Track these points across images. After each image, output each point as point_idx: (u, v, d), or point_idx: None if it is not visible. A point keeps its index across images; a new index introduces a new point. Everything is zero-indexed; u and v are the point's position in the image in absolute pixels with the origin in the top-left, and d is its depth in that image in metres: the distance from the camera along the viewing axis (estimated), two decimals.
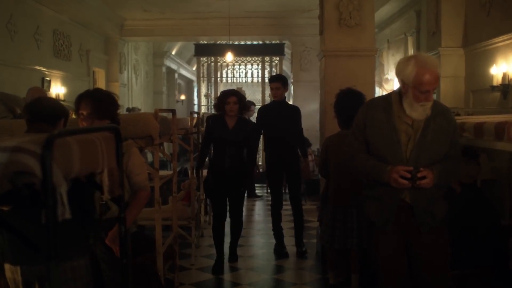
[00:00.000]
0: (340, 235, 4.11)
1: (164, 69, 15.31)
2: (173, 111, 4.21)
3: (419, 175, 2.74)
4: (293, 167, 5.73)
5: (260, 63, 13.40)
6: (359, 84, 5.36)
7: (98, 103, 2.96)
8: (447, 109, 2.97)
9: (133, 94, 12.88)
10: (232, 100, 4.93)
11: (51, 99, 2.61)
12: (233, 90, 5.22)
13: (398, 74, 2.85)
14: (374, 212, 2.98)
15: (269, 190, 6.41)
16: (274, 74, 13.90)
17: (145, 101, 13.87)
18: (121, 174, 2.26)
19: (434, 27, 6.00)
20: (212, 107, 5.05)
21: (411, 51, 8.08)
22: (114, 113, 3.09)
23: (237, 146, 5.04)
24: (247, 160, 5.22)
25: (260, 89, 13.42)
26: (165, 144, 5.80)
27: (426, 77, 2.71)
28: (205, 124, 5.06)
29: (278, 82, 5.67)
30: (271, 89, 5.74)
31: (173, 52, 16.09)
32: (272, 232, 5.86)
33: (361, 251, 4.16)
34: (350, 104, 4.07)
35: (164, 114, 4.34)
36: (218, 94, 5.49)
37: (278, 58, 13.15)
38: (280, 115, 5.59)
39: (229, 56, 10.33)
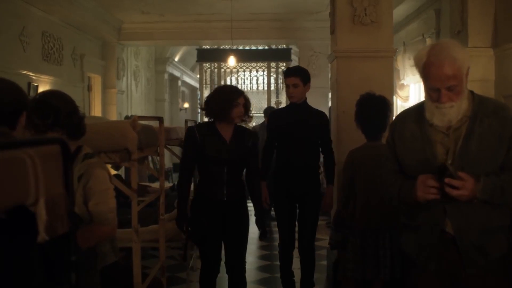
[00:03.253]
0: (372, 263, 3.57)
1: (166, 76, 14.77)
2: (160, 119, 3.57)
3: (446, 180, 2.08)
4: (311, 198, 4.24)
5: (265, 69, 12.84)
6: (375, 89, 4.77)
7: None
8: (503, 106, 2.30)
9: (133, 101, 12.32)
10: (241, 101, 3.50)
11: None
12: (238, 88, 3.72)
13: (414, 62, 2.30)
14: (412, 246, 2.38)
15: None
16: (281, 81, 13.44)
17: (146, 108, 13.31)
18: (71, 203, 1.65)
19: (460, 26, 5.37)
20: (203, 111, 3.76)
21: None
22: (68, 122, 2.38)
23: (236, 168, 3.58)
24: (251, 187, 3.74)
25: (266, 97, 12.85)
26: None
27: (432, 70, 2.13)
28: (185, 136, 3.58)
29: (296, 76, 4.13)
30: (287, 86, 4.22)
31: (176, 59, 15.57)
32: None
33: (384, 282, 3.64)
34: (373, 112, 3.60)
35: (151, 123, 3.73)
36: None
37: (284, 64, 12.58)
38: (297, 122, 4.15)
39: (231, 61, 9.72)
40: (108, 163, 2.90)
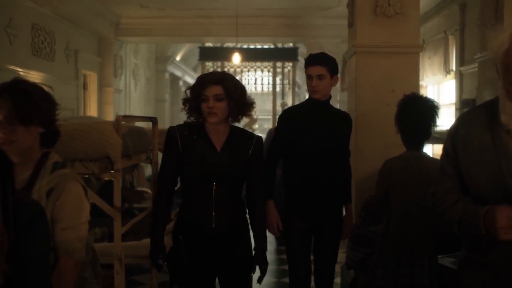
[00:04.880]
0: None
1: (167, 76, 14.22)
2: (153, 120, 2.96)
3: None
4: (332, 223, 3.35)
5: (271, 69, 12.28)
6: (400, 88, 4.32)
7: (24, 99, 1.89)
8: None
9: (132, 101, 11.77)
10: (212, 91, 2.51)
11: None
12: (218, 73, 2.68)
13: (490, 50, 1.84)
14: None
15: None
16: (287, 82, 12.81)
17: (146, 109, 12.76)
18: (13, 241, 1.18)
19: (493, 19, 4.81)
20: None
21: (452, 53, 6.87)
22: (51, 117, 1.98)
23: (229, 184, 2.64)
24: (252, 212, 2.81)
25: (271, 98, 12.29)
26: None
27: None
28: (165, 139, 2.65)
29: (322, 65, 3.20)
30: (309, 77, 3.24)
31: (178, 58, 15.04)
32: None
33: None
34: (417, 116, 3.08)
35: (141, 124, 3.14)
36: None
37: (291, 64, 12.02)
38: (319, 124, 3.25)
39: (236, 58, 9.15)
40: (85, 174, 2.31)
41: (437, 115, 3.14)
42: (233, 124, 2.69)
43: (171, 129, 2.64)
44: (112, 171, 2.29)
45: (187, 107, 2.59)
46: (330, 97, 3.32)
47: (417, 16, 4.59)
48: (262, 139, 2.76)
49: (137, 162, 2.80)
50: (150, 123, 3.02)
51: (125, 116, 2.47)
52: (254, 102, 2.67)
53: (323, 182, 3.22)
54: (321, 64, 3.20)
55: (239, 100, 2.56)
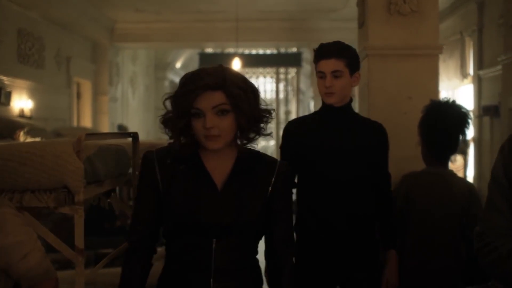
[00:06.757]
0: None
1: (167, 83, 13.80)
2: (133, 135, 2.47)
3: None
4: (367, 279, 2.37)
5: (274, 75, 11.88)
6: (417, 94, 3.89)
7: None
8: None
9: (129, 110, 11.34)
10: (210, 101, 1.47)
11: None
12: (214, 69, 1.49)
13: None
14: None
15: None
16: (291, 89, 12.30)
17: (145, 117, 12.35)
18: None
19: None
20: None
21: (470, 55, 6.41)
22: None
23: (241, 241, 1.59)
24: (275, 277, 1.67)
25: (274, 106, 11.86)
26: None
27: None
28: (140, 171, 1.64)
29: (339, 58, 2.25)
30: (320, 75, 2.27)
31: (178, 65, 14.62)
32: None
33: None
34: (447, 125, 2.68)
35: (119, 141, 2.65)
36: None
37: (295, 70, 11.63)
38: (339, 140, 2.31)
39: (236, 63, 8.70)
40: (38, 208, 1.84)
41: (468, 126, 2.72)
42: (244, 145, 1.62)
43: (146, 155, 1.61)
44: (72, 205, 1.81)
45: (169, 128, 1.55)
46: (351, 100, 2.37)
47: (435, 14, 4.14)
48: (287, 167, 1.68)
49: (111, 187, 2.31)
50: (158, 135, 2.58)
51: (90, 134, 1.98)
52: (272, 110, 1.65)
53: (346, 226, 2.29)
54: (337, 57, 2.25)
55: (254, 110, 1.54)
